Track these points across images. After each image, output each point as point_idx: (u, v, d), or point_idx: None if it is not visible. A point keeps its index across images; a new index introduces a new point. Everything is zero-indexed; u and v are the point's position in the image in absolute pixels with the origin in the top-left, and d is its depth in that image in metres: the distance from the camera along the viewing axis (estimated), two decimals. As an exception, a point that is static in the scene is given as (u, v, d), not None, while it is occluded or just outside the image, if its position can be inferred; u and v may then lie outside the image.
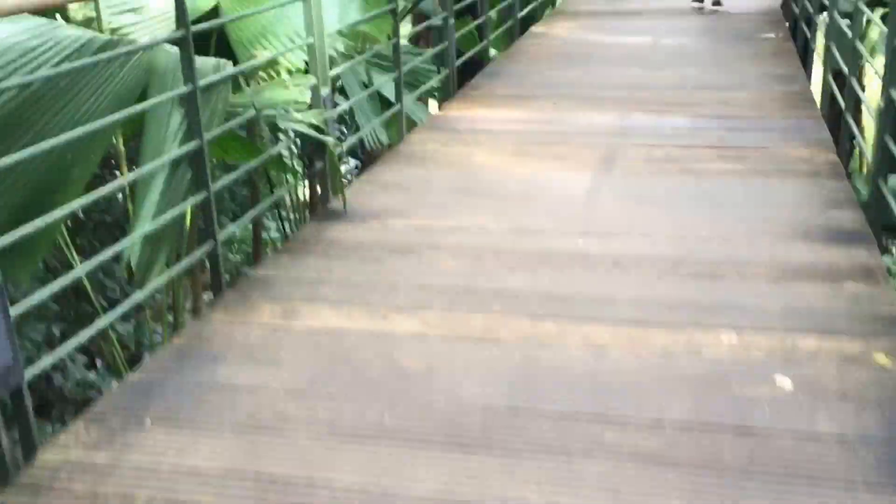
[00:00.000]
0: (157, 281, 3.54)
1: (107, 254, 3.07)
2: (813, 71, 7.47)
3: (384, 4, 5.50)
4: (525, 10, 9.49)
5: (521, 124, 6.07)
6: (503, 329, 3.29)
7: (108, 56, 3.55)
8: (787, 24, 9.51)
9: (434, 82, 6.69)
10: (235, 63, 4.83)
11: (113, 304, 5.31)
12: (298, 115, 4.16)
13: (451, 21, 6.80)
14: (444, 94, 6.89)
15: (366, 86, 6.44)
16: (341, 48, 4.99)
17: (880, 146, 3.98)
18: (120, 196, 5.89)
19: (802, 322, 3.21)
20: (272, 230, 8.24)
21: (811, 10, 7.32)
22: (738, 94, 6.57)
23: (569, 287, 3.62)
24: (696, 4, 9.99)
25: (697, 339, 3.15)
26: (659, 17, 10.04)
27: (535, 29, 9.63)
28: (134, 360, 5.55)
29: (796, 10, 8.53)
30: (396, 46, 5.67)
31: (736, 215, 4.25)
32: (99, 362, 5.74)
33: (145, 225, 3.41)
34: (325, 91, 4.60)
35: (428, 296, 3.60)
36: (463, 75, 7.34)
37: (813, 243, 3.86)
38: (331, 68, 4.69)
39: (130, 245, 3.33)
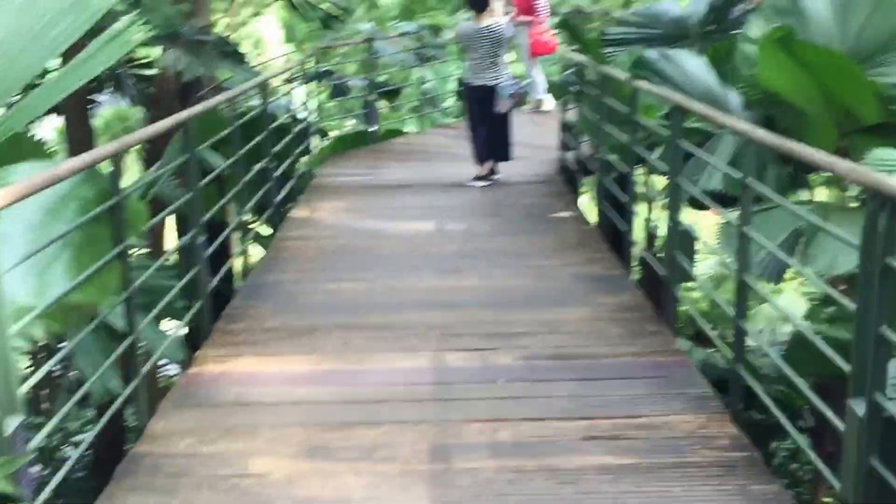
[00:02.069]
0: None
1: None
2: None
3: (106, 247, 3.85)
4: (283, 192, 8.05)
5: (306, 386, 4.51)
6: None
7: None
8: (572, 196, 8.67)
9: (184, 322, 5.05)
10: None
11: None
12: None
13: (202, 239, 5.22)
14: (198, 335, 5.24)
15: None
16: (41, 335, 3.28)
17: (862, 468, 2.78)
18: None
19: None
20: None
21: (624, 198, 6.36)
22: (564, 312, 5.39)
23: None
24: (480, 183, 8.96)
25: None
26: (432, 192, 8.89)
27: (296, 213, 8.18)
28: None
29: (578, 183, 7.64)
30: (129, 313, 4.00)
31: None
32: None
33: None
34: (11, 424, 2.87)
35: None
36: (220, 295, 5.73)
37: None
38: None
39: None
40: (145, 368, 4.27)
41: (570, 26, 7.63)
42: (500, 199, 8.51)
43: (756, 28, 6.41)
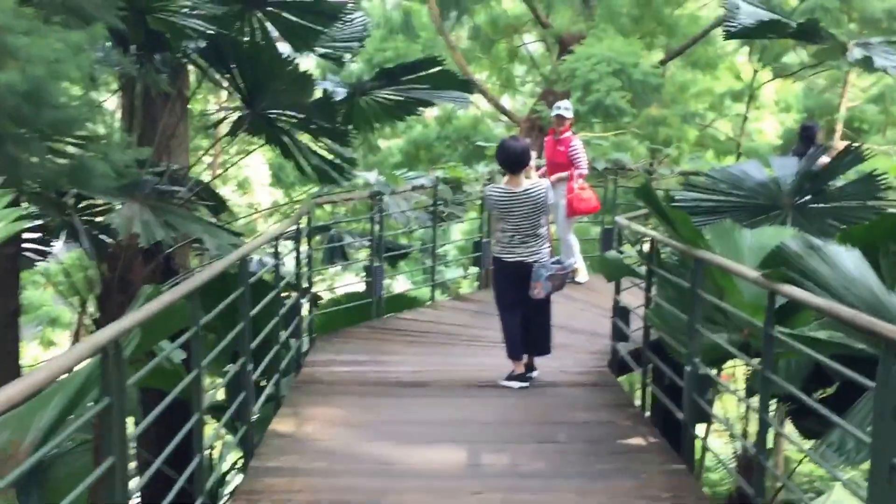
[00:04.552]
0: None
1: None
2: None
3: None
4: (261, 399, 6.06)
5: None
6: None
7: None
8: (638, 409, 6.71)
9: None
10: None
11: None
12: None
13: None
14: None
15: None
16: None
17: None
18: None
19: None
20: None
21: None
22: None
23: None
24: (515, 384, 7.01)
25: None
26: (456, 395, 6.90)
27: (278, 425, 6.14)
28: None
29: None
30: None
31: None
32: None
33: None
34: None
35: None
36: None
37: None
38: None
39: None
40: None
41: (651, 195, 5.83)
42: (546, 411, 6.52)
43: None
